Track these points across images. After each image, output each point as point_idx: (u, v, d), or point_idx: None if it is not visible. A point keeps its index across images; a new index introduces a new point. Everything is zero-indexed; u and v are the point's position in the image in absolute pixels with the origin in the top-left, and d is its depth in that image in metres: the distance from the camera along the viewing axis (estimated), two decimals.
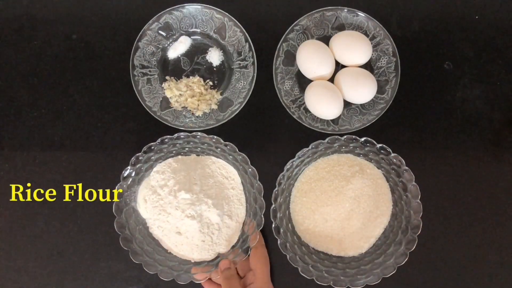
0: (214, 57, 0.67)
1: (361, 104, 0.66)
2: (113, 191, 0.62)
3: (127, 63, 0.65)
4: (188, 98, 0.66)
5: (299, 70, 0.66)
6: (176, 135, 0.61)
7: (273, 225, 0.60)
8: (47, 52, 0.68)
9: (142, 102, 0.65)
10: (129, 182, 0.62)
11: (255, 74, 0.65)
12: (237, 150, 0.62)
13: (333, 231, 0.63)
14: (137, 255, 0.60)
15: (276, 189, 0.61)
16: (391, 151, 0.61)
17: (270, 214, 0.60)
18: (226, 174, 0.64)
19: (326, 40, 0.66)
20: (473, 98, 0.68)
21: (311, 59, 0.63)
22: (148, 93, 0.66)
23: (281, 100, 0.64)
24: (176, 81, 0.67)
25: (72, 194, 0.66)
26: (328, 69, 0.64)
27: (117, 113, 0.67)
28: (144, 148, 0.61)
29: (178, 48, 0.68)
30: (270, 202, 0.61)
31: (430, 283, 0.65)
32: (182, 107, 0.66)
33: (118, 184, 0.61)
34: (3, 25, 0.69)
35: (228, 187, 0.64)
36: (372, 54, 0.65)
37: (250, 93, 0.65)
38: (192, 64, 0.68)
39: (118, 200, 0.61)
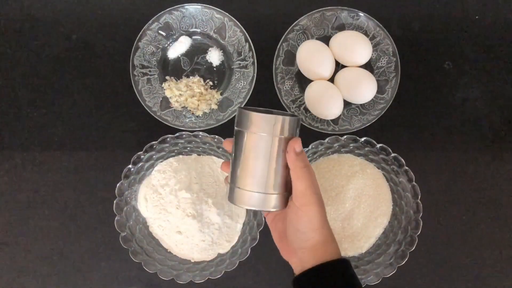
0: (214, 57, 0.67)
1: (361, 104, 0.66)
2: (113, 190, 0.62)
3: (127, 63, 0.65)
4: (188, 98, 0.66)
5: (299, 70, 0.66)
6: (177, 134, 0.61)
7: None
8: (47, 52, 0.68)
9: (142, 102, 0.65)
10: (130, 181, 0.62)
11: (255, 74, 0.65)
12: None
13: (333, 231, 0.62)
14: (137, 254, 0.60)
15: None
16: (391, 151, 0.61)
17: None
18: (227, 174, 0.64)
19: (326, 40, 0.66)
20: (473, 98, 0.68)
21: (311, 59, 0.63)
22: (148, 93, 0.66)
23: (281, 100, 0.64)
24: (176, 81, 0.67)
25: (72, 194, 0.66)
26: (328, 69, 0.64)
27: (117, 113, 0.67)
28: (146, 147, 0.61)
29: (178, 48, 0.68)
30: None
31: (430, 283, 0.65)
32: (182, 107, 0.66)
33: (119, 183, 0.61)
34: (3, 25, 0.69)
35: None
36: (372, 54, 0.65)
37: (250, 93, 0.65)
38: (192, 64, 0.68)
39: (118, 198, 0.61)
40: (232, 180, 0.45)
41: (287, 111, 0.64)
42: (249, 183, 0.44)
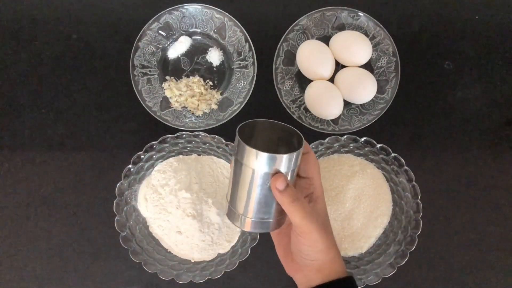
0: (214, 57, 0.67)
1: (361, 104, 0.66)
2: (113, 190, 0.62)
3: (127, 63, 0.65)
4: (188, 98, 0.66)
5: (299, 70, 0.66)
6: (177, 134, 0.61)
7: None
8: (47, 52, 0.68)
9: (142, 102, 0.65)
10: (130, 181, 0.62)
11: (255, 74, 0.65)
12: None
13: (333, 231, 0.63)
14: (137, 254, 0.60)
15: None
16: (391, 151, 0.61)
17: None
18: (226, 174, 0.64)
19: (326, 40, 0.66)
20: (473, 98, 0.68)
21: (311, 59, 0.63)
22: (148, 93, 0.66)
23: (281, 100, 0.64)
24: (176, 81, 0.67)
25: (72, 194, 0.66)
26: (328, 69, 0.64)
27: (117, 113, 0.67)
28: (146, 147, 0.61)
29: (178, 48, 0.68)
30: None
31: (430, 283, 0.65)
32: (182, 107, 0.66)
33: (119, 183, 0.61)
34: (3, 25, 0.69)
35: None
36: (372, 54, 0.65)
37: (250, 93, 0.65)
38: (192, 64, 0.68)
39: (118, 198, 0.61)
40: (230, 201, 0.45)
41: (288, 109, 0.64)
42: (244, 209, 0.44)
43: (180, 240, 0.62)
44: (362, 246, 0.63)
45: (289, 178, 0.43)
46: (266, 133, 0.47)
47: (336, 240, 0.63)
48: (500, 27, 0.69)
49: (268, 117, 0.66)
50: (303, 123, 0.64)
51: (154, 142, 0.61)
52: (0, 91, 0.68)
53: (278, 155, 0.41)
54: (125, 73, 0.65)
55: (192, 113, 0.66)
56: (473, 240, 0.65)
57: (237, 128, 0.43)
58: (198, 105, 0.66)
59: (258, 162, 0.41)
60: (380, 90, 0.65)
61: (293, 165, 0.42)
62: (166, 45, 0.68)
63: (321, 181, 0.48)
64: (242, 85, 0.66)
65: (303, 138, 0.43)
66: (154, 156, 0.63)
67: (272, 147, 0.47)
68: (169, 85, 0.66)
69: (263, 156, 0.41)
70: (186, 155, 0.66)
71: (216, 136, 0.61)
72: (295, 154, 0.42)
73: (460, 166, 0.67)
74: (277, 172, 0.42)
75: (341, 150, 0.65)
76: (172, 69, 0.68)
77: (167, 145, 0.63)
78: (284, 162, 0.41)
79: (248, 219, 0.44)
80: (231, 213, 0.45)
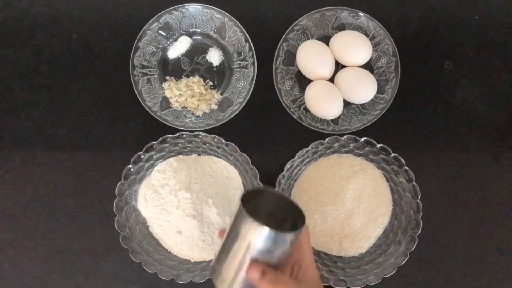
0: (214, 57, 0.67)
1: (361, 104, 0.66)
2: (113, 190, 0.62)
3: (127, 63, 0.65)
4: (188, 98, 0.66)
5: (299, 70, 0.66)
6: (177, 134, 0.61)
7: None
8: (47, 52, 0.68)
9: (142, 102, 0.65)
10: (130, 181, 0.62)
11: (255, 74, 0.65)
12: (239, 150, 0.62)
13: (333, 231, 0.63)
14: (137, 254, 0.60)
15: (276, 189, 0.61)
16: (391, 151, 0.61)
17: None
18: (226, 174, 0.64)
19: (326, 40, 0.66)
20: (473, 98, 0.68)
21: (311, 59, 0.63)
22: (148, 93, 0.66)
23: (281, 100, 0.64)
24: (176, 81, 0.67)
25: (72, 194, 0.66)
26: (328, 69, 0.64)
27: (117, 113, 0.67)
28: (146, 147, 0.61)
29: (178, 48, 0.68)
30: None
31: (430, 283, 0.65)
32: (182, 107, 0.66)
33: (119, 183, 0.61)
34: (3, 25, 0.69)
35: (229, 186, 0.64)
36: (372, 54, 0.65)
37: (250, 93, 0.65)
38: (192, 64, 0.68)
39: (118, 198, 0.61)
40: (217, 262, 0.44)
41: (288, 109, 0.64)
42: (232, 278, 0.42)
43: (180, 240, 0.62)
44: (362, 246, 0.63)
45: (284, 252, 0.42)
46: (268, 201, 0.47)
47: (336, 240, 0.63)
48: (500, 27, 0.69)
49: (268, 117, 0.67)
50: (303, 123, 0.64)
51: (154, 142, 0.61)
52: (0, 91, 0.68)
53: (281, 234, 0.40)
54: (125, 73, 0.65)
55: (192, 113, 0.66)
56: (473, 240, 0.65)
57: (241, 196, 0.42)
58: (198, 105, 0.66)
59: (257, 237, 0.40)
60: (380, 90, 0.65)
61: (289, 246, 0.42)
62: (166, 45, 0.68)
63: (310, 249, 0.46)
64: (242, 85, 0.66)
65: (305, 216, 0.43)
66: (154, 156, 0.63)
67: (272, 219, 0.47)
68: (169, 85, 0.66)
69: (264, 231, 0.40)
70: (186, 155, 0.66)
71: (216, 136, 0.61)
72: (293, 234, 0.41)
73: (460, 166, 0.67)
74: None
75: (341, 150, 0.65)
76: (172, 69, 0.68)
77: (167, 145, 0.63)
78: (285, 240, 0.41)
79: None
80: (216, 275, 0.43)
